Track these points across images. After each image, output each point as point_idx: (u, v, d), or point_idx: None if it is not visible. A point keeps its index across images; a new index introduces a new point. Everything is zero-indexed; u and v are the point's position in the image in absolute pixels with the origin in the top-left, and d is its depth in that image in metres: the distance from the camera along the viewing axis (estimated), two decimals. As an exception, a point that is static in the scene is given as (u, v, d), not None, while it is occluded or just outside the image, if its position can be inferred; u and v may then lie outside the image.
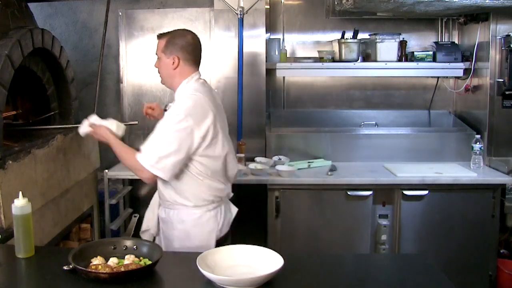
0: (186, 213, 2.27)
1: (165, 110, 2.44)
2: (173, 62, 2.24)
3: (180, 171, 2.20)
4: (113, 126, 2.38)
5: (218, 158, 2.24)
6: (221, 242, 2.33)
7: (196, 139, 2.14)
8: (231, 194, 2.50)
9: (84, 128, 2.40)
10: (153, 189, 3.41)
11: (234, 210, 2.47)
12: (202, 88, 2.26)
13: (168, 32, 2.31)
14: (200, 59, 2.33)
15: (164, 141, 2.12)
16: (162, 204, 2.36)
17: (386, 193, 3.23)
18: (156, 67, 2.32)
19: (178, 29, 2.34)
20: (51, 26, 3.86)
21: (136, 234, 3.30)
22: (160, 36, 2.30)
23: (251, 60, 3.64)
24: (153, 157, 2.12)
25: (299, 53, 3.98)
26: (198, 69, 2.32)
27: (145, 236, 2.47)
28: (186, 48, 2.25)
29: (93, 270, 1.61)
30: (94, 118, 2.40)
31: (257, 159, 3.51)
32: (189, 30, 2.33)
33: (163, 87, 2.44)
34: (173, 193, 2.27)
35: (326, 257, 2.10)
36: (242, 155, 3.48)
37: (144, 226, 2.48)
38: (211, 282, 1.58)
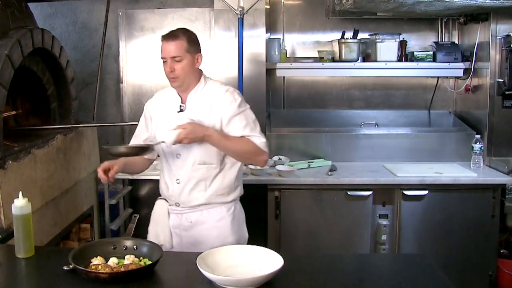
0: (224, 208, 2.27)
1: (181, 110, 2.25)
2: (197, 61, 2.21)
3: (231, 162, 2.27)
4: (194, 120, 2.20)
5: None
6: None
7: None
8: None
9: (170, 135, 2.07)
10: (152, 188, 3.42)
11: None
12: None
13: (182, 32, 2.19)
14: None
15: (254, 121, 2.24)
16: (187, 210, 2.25)
17: (386, 193, 3.23)
18: (174, 68, 2.15)
19: (184, 28, 2.25)
20: (51, 26, 3.86)
21: (136, 234, 3.31)
22: (175, 37, 2.15)
23: (251, 60, 3.64)
24: (262, 137, 2.24)
25: (299, 53, 3.98)
26: None
27: None
28: (199, 46, 2.25)
29: (93, 270, 1.61)
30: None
31: (257, 159, 3.51)
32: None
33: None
34: (212, 191, 2.23)
35: (326, 257, 2.10)
36: (242, 155, 3.48)
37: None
38: (211, 282, 1.58)
